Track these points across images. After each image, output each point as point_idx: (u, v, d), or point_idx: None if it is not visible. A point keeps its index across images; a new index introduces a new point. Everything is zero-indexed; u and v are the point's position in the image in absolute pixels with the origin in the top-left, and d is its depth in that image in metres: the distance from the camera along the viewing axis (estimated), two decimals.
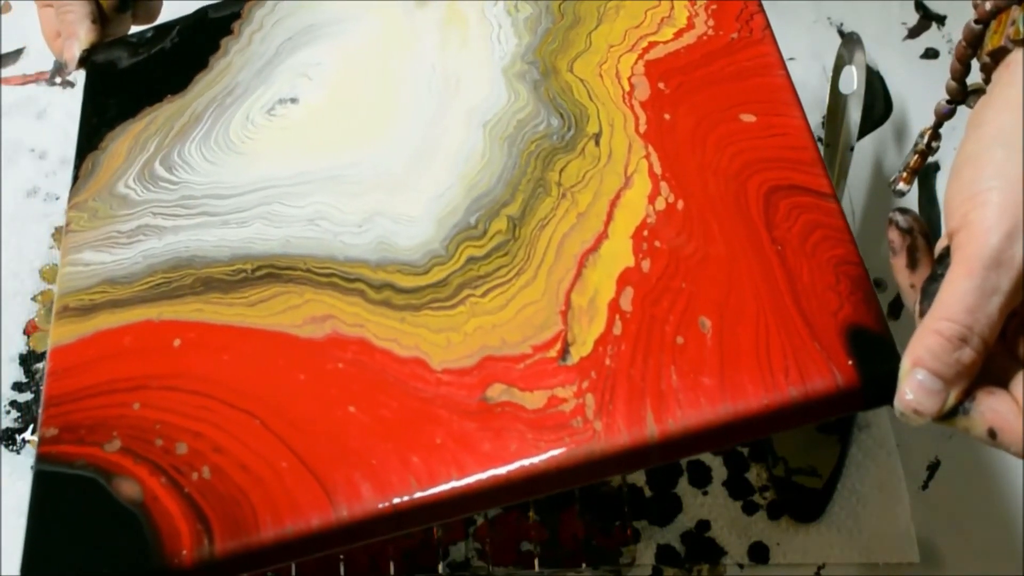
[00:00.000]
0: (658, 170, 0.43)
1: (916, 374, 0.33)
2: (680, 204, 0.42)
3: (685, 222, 0.41)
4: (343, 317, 0.42)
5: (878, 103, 0.71)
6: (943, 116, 0.43)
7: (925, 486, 0.61)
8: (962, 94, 0.41)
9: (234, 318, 0.43)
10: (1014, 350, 0.34)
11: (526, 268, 0.41)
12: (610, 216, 0.42)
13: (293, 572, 0.54)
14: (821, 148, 0.67)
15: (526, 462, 0.37)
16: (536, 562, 0.56)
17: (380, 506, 0.37)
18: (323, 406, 0.40)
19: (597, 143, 0.44)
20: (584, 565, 0.57)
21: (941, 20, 0.73)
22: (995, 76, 0.37)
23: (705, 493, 0.60)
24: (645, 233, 0.41)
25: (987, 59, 0.38)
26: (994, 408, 0.34)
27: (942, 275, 0.34)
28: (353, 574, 0.55)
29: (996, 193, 0.33)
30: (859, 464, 0.61)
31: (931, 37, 0.73)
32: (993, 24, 0.38)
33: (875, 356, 0.36)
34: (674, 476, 0.60)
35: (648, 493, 0.60)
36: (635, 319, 0.39)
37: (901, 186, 0.45)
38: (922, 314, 0.35)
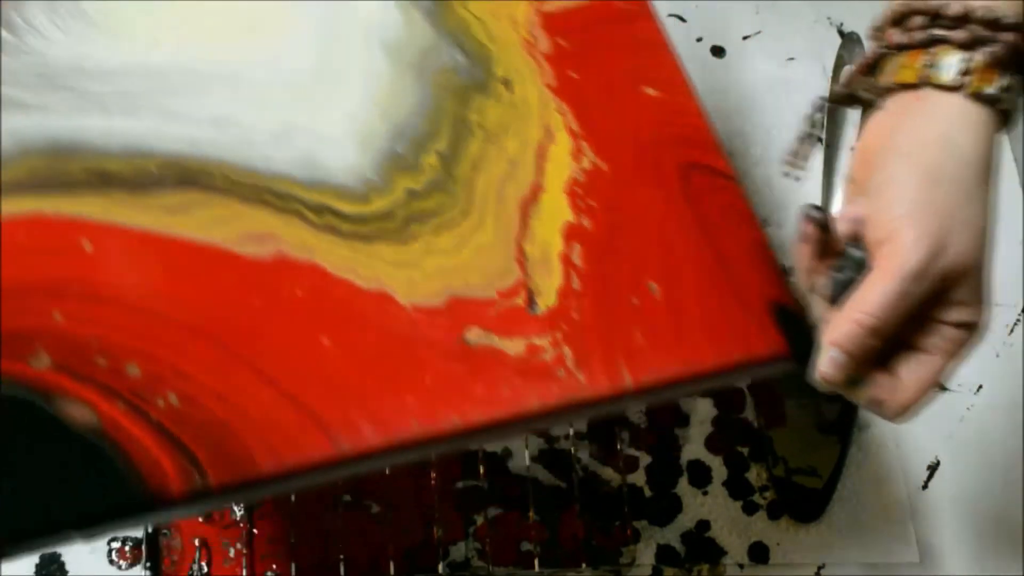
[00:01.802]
0: (575, 128, 0.44)
1: (832, 351, 0.40)
2: (604, 166, 0.43)
3: (613, 185, 0.43)
4: (286, 238, 0.40)
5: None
6: (819, 109, 0.51)
7: (925, 486, 0.61)
8: (847, 101, 0.46)
9: (154, 224, 0.39)
10: (902, 336, 0.41)
11: (471, 211, 0.42)
12: (540, 168, 0.43)
13: (293, 571, 0.54)
14: (821, 148, 0.67)
15: (520, 408, 0.38)
16: (536, 562, 0.56)
17: (382, 444, 0.37)
18: (291, 335, 0.38)
19: (509, 89, 0.45)
20: (584, 565, 0.57)
21: None
22: (902, 103, 0.42)
23: (705, 493, 0.60)
24: (578, 191, 0.43)
25: (893, 84, 0.42)
26: (880, 383, 0.41)
27: (847, 267, 0.41)
28: (353, 574, 0.55)
29: (922, 218, 0.39)
30: (859, 464, 0.61)
31: None
32: (904, 58, 0.42)
33: (796, 328, 0.42)
34: (674, 476, 0.60)
35: (648, 493, 0.60)
36: (589, 276, 0.41)
37: (798, 173, 0.51)
38: (831, 299, 0.41)
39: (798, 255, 0.42)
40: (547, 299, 0.40)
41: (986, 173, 0.41)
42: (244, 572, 0.54)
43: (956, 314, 0.41)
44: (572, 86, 0.45)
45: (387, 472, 0.57)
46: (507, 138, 0.43)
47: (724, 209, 0.44)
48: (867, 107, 0.45)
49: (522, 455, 0.58)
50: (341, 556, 0.55)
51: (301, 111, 0.43)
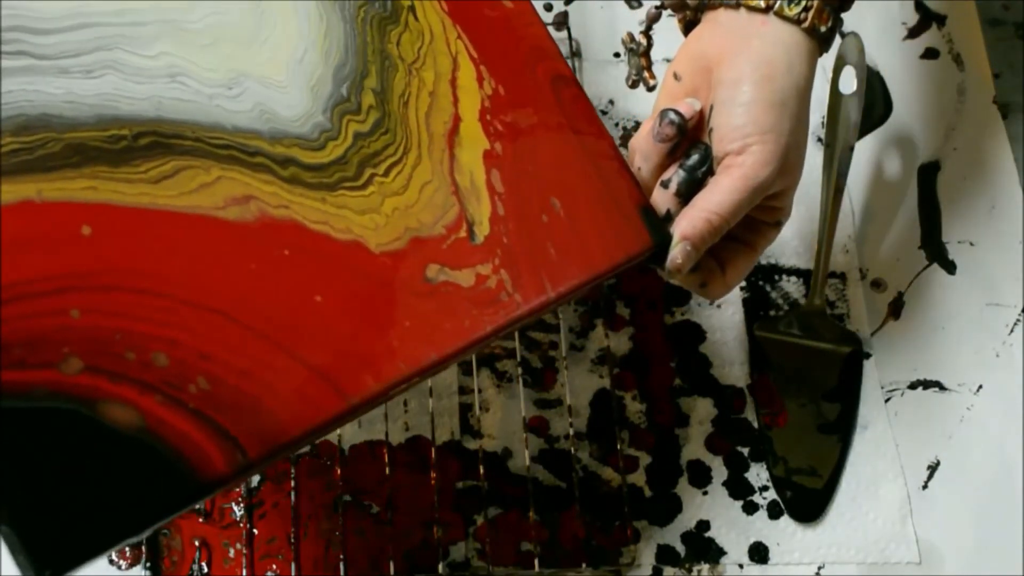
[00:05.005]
0: (474, 53, 0.46)
1: (684, 244, 0.47)
2: (502, 89, 0.46)
3: (511, 106, 0.46)
4: (265, 198, 0.41)
5: (878, 103, 0.71)
6: (653, 20, 0.59)
7: (925, 486, 0.61)
8: (683, 8, 0.51)
9: (142, 199, 0.38)
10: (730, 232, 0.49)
11: (411, 147, 0.44)
12: (456, 98, 0.45)
13: (293, 571, 0.54)
14: (821, 148, 0.67)
15: (479, 334, 0.43)
16: (536, 562, 0.56)
17: (381, 390, 0.40)
18: (288, 297, 0.40)
19: (415, 16, 0.46)
20: (584, 565, 0.57)
21: (941, 20, 0.73)
22: (742, 22, 0.48)
23: (705, 493, 0.60)
24: (488, 117, 0.46)
25: (735, 1, 0.47)
26: (707, 268, 0.50)
27: (697, 160, 0.48)
28: (353, 574, 0.55)
29: (772, 138, 0.46)
30: (859, 464, 0.61)
31: (931, 37, 0.73)
32: None
33: (657, 228, 0.47)
34: (674, 476, 0.60)
35: (648, 493, 0.60)
36: (509, 199, 0.45)
37: (652, 83, 0.55)
38: (679, 191, 0.48)
39: (652, 152, 0.48)
40: (483, 228, 0.44)
41: (809, 97, 0.48)
42: (244, 572, 0.54)
43: (773, 215, 0.49)
44: (460, 10, 0.47)
45: (387, 472, 0.57)
46: (425, 71, 0.45)
47: (586, 118, 0.48)
48: (691, 15, 0.51)
49: (522, 455, 0.58)
50: (341, 556, 0.55)
51: (245, 56, 0.43)
